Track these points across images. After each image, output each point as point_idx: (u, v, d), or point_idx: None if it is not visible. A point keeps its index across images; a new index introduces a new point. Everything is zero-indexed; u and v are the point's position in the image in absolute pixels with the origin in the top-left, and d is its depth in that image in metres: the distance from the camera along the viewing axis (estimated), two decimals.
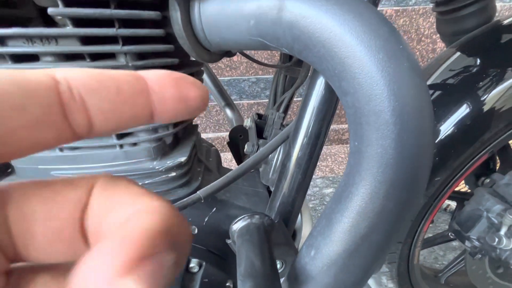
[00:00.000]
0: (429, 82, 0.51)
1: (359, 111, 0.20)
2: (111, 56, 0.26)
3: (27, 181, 0.10)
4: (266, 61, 1.29)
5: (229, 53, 0.31)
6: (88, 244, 0.10)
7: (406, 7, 1.26)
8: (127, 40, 0.25)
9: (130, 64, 0.25)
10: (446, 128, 0.44)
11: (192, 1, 0.24)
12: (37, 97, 0.08)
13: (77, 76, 0.09)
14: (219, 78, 1.03)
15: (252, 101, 1.48)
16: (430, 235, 0.73)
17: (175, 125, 0.33)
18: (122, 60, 0.25)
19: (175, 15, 0.24)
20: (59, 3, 0.21)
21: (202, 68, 0.38)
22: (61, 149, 0.30)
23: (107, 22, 0.24)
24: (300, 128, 0.33)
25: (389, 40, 0.19)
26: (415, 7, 1.25)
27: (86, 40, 0.24)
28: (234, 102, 0.74)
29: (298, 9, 0.20)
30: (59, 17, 0.25)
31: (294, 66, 0.45)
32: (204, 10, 0.24)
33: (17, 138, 0.08)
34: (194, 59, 0.33)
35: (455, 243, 1.02)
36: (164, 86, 0.10)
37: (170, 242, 0.08)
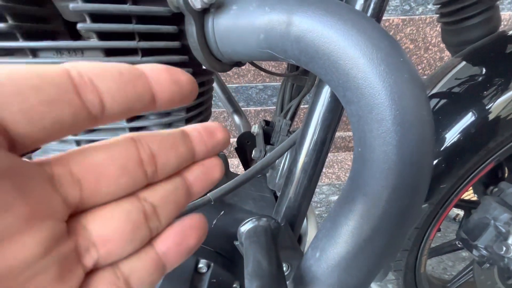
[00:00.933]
0: (435, 91, 0.52)
1: (362, 119, 0.21)
2: None
3: (82, 147, 0.12)
4: (273, 70, 1.31)
5: (239, 63, 0.33)
6: (147, 173, 0.12)
7: (413, 16, 1.27)
8: (146, 52, 0.27)
9: None
10: (452, 136, 0.45)
11: (206, 16, 0.26)
12: (51, 79, 0.09)
13: (83, 64, 0.10)
14: (227, 85, 1.06)
15: (259, 108, 1.49)
16: (438, 244, 0.72)
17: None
18: None
19: (191, 29, 0.26)
20: (87, 19, 0.23)
21: (212, 77, 0.40)
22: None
23: (128, 35, 0.26)
24: (306, 135, 0.35)
25: (390, 53, 0.20)
26: (422, 16, 1.26)
27: (109, 51, 0.26)
28: (242, 108, 0.76)
29: (305, 24, 0.22)
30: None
31: (301, 75, 0.47)
32: (217, 24, 0.26)
33: (38, 114, 0.09)
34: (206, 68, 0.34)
35: (464, 254, 1.00)
36: (157, 72, 0.12)
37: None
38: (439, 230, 0.55)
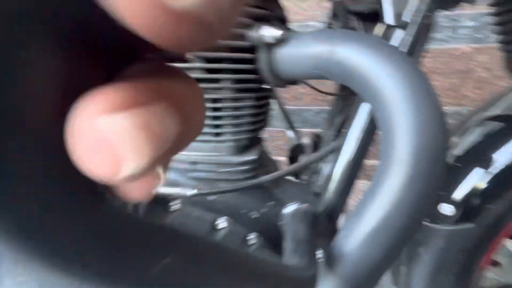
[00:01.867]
0: (496, 112, 0.52)
1: (387, 133, 0.28)
2: (217, 80, 0.40)
3: None
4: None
5: (294, 82, 0.42)
6: None
7: (485, 44, 1.20)
8: (228, 70, 0.39)
9: (230, 86, 0.39)
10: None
11: (273, 47, 0.36)
12: None
13: None
14: (285, 107, 1.16)
15: (313, 130, 1.55)
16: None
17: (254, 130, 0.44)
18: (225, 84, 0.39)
19: (262, 56, 0.36)
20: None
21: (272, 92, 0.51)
22: None
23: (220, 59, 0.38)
24: (345, 144, 0.41)
25: (412, 80, 0.27)
26: (495, 44, 1.19)
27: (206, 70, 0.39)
28: (298, 129, 0.84)
29: (345, 53, 0.30)
30: None
31: (348, 95, 0.53)
32: (281, 52, 0.36)
33: None
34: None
35: None
36: None
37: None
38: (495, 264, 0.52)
